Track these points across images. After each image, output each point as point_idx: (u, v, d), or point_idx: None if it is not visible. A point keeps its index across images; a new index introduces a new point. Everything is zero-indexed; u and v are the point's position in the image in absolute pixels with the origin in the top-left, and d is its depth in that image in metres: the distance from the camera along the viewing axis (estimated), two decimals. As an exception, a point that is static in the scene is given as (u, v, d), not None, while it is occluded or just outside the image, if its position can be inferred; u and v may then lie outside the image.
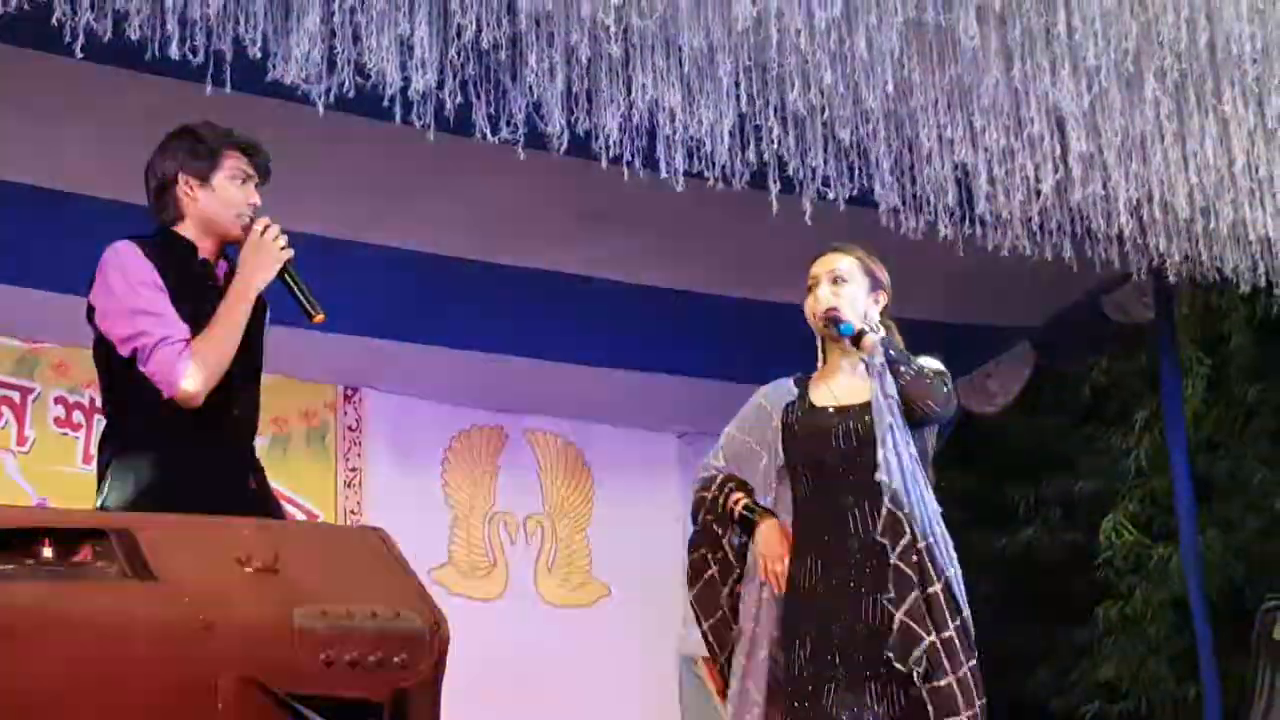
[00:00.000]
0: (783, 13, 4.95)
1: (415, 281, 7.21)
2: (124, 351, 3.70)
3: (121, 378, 3.76)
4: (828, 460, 4.25)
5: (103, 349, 3.79)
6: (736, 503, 4.33)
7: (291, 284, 3.94)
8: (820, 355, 4.58)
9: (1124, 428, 9.33)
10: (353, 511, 8.10)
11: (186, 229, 3.92)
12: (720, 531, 4.40)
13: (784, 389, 4.54)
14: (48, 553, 2.22)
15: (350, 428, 8.34)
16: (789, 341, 7.94)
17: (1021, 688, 9.80)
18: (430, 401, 8.40)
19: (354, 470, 8.35)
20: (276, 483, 7.98)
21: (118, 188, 6.23)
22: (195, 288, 3.84)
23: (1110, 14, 5.16)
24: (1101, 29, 5.15)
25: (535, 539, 8.85)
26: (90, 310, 3.81)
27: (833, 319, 4.40)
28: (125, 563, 2.22)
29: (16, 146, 5.97)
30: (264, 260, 3.85)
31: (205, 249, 3.93)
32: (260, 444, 8.08)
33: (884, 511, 4.07)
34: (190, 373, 3.63)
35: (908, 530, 4.04)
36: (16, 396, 7.50)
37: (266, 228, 3.88)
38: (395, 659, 2.25)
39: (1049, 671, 9.78)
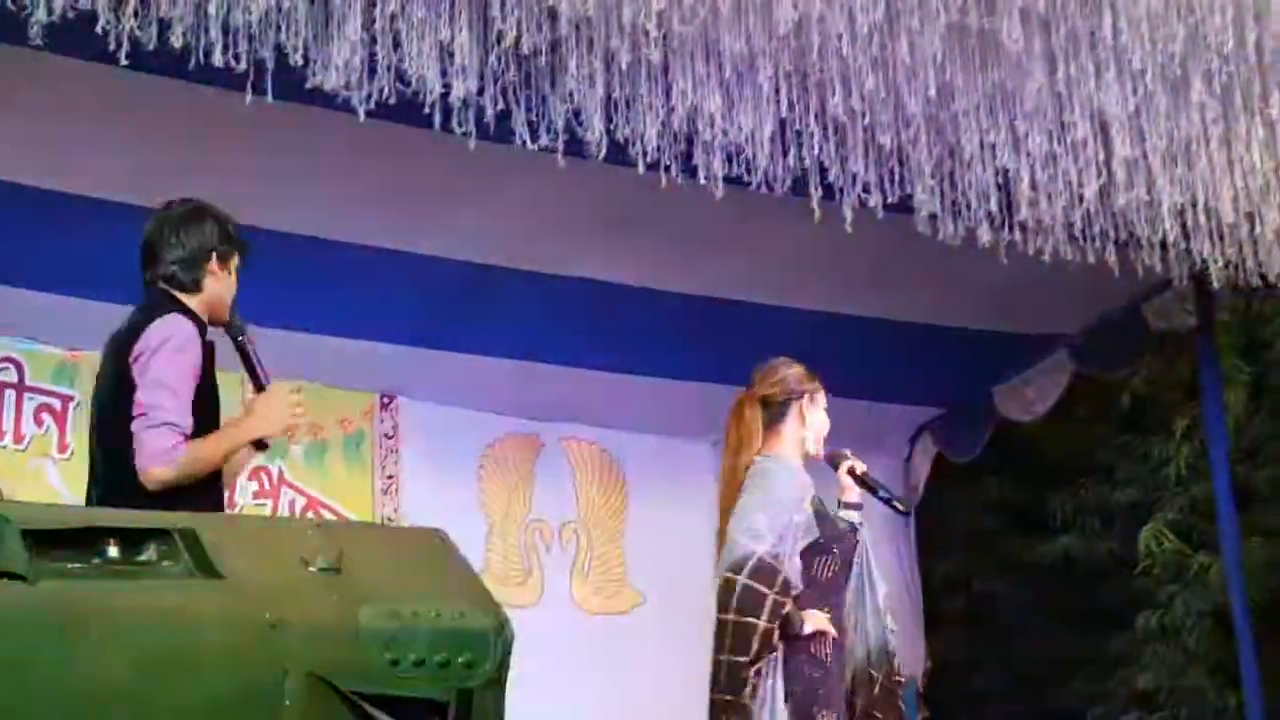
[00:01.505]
0: (824, 17, 4.93)
1: (452, 290, 7.21)
2: (137, 407, 3.89)
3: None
4: None
5: (125, 388, 3.95)
6: None
7: (249, 356, 4.27)
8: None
9: (1164, 436, 9.27)
10: (389, 518, 8.09)
11: (197, 303, 4.17)
12: None
13: None
14: (113, 551, 2.23)
15: (387, 435, 8.35)
16: (827, 350, 7.98)
17: (1059, 696, 9.75)
18: (466, 409, 8.40)
19: (390, 478, 8.36)
20: (314, 490, 8.11)
21: (158, 196, 6.27)
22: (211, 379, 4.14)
23: (1156, 16, 5.12)
24: (1147, 32, 5.11)
25: (570, 546, 8.84)
26: (129, 352, 3.98)
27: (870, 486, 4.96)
28: (190, 561, 2.22)
29: (57, 155, 5.99)
30: (280, 421, 4.19)
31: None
32: (297, 451, 8.21)
33: None
34: (170, 466, 3.85)
35: None
36: (58, 404, 7.52)
37: (299, 399, 4.24)
38: (460, 659, 2.25)
39: (1086, 680, 9.71)
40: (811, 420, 5.09)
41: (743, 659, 4.62)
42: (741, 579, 4.67)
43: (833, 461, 5.16)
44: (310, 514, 8.07)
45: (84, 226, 6.26)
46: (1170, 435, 9.17)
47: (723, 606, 4.71)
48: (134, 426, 3.87)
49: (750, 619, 4.64)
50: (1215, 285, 6.39)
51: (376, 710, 2.14)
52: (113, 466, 3.97)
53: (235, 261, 4.26)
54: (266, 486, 8.06)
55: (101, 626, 2.08)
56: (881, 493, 5.18)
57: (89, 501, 4.08)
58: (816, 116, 5.24)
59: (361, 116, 4.79)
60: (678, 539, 9.01)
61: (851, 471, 5.09)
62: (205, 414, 4.05)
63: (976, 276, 6.81)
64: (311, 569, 2.27)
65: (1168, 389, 9.26)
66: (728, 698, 4.67)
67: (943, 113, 5.37)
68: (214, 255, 4.20)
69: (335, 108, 4.90)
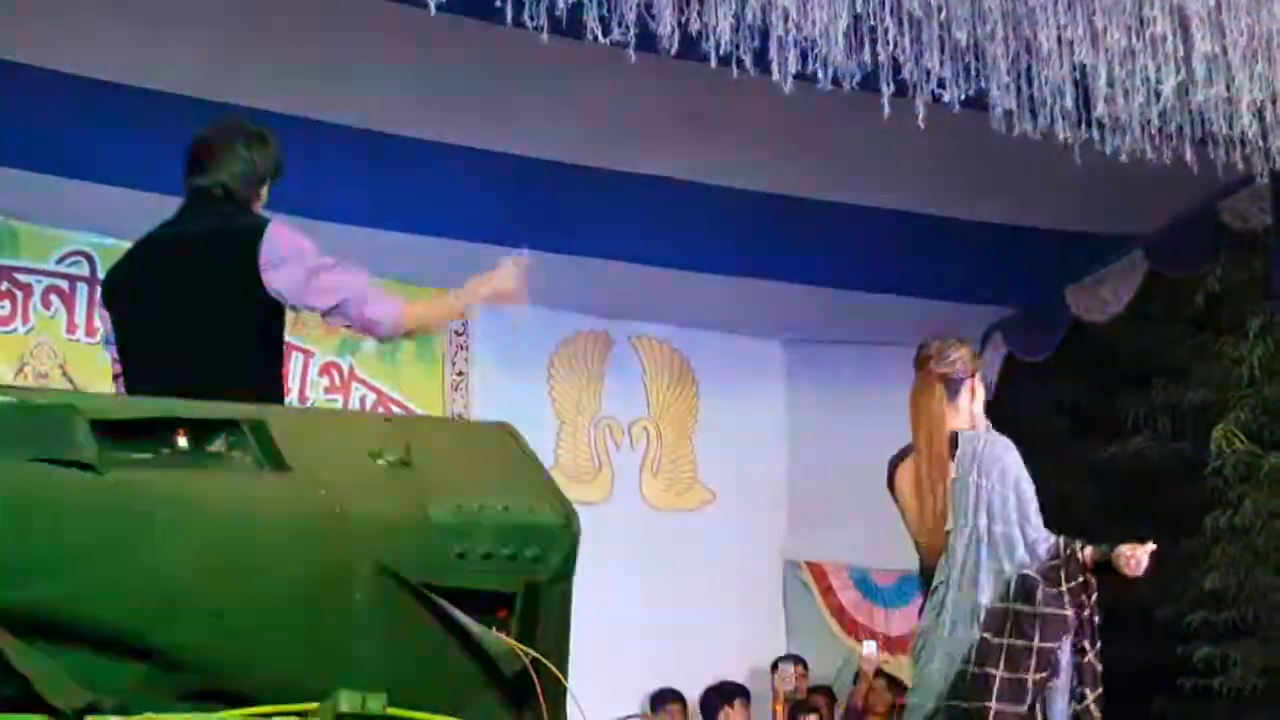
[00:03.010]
0: (900, -90, 4.86)
1: (523, 187, 7.20)
2: (322, 304, 3.92)
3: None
4: None
5: (259, 294, 3.93)
6: None
7: None
8: None
9: (1237, 336, 9.17)
10: (459, 415, 8.15)
11: None
12: None
13: None
14: (183, 442, 2.25)
15: (457, 332, 8.39)
16: (897, 248, 7.94)
17: (1127, 597, 9.74)
18: (537, 306, 8.40)
19: (460, 374, 8.41)
20: (384, 386, 8.18)
21: (229, 93, 6.30)
22: None
23: (1238, -92, 5.01)
24: (1228, -75, 5.01)
25: (641, 444, 8.89)
26: (255, 263, 3.93)
27: None
28: (260, 453, 2.24)
29: (128, 48, 6.01)
30: (506, 292, 4.22)
31: None
32: (368, 347, 8.27)
33: None
34: (402, 314, 3.98)
35: None
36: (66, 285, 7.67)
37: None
38: (527, 552, 2.27)
39: (1155, 580, 9.67)
40: (979, 394, 5.29)
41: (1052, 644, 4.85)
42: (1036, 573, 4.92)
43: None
44: (380, 409, 8.14)
45: (155, 121, 6.29)
46: (1243, 335, 9.08)
47: (1028, 599, 4.88)
48: (342, 307, 3.94)
49: (1063, 613, 4.88)
50: (1293, 184, 6.31)
51: (445, 602, 2.17)
52: (202, 368, 3.88)
53: (266, 186, 4.23)
54: (337, 382, 8.13)
55: (169, 517, 2.10)
56: None
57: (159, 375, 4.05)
58: (891, 11, 5.16)
59: (432, 10, 4.76)
60: (748, 437, 9.06)
61: None
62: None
63: (1051, 175, 6.72)
64: (380, 462, 2.29)
65: (1242, 289, 9.15)
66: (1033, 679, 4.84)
67: (1020, 6, 5.28)
68: (266, 181, 4.20)
69: (407, 1, 4.88)
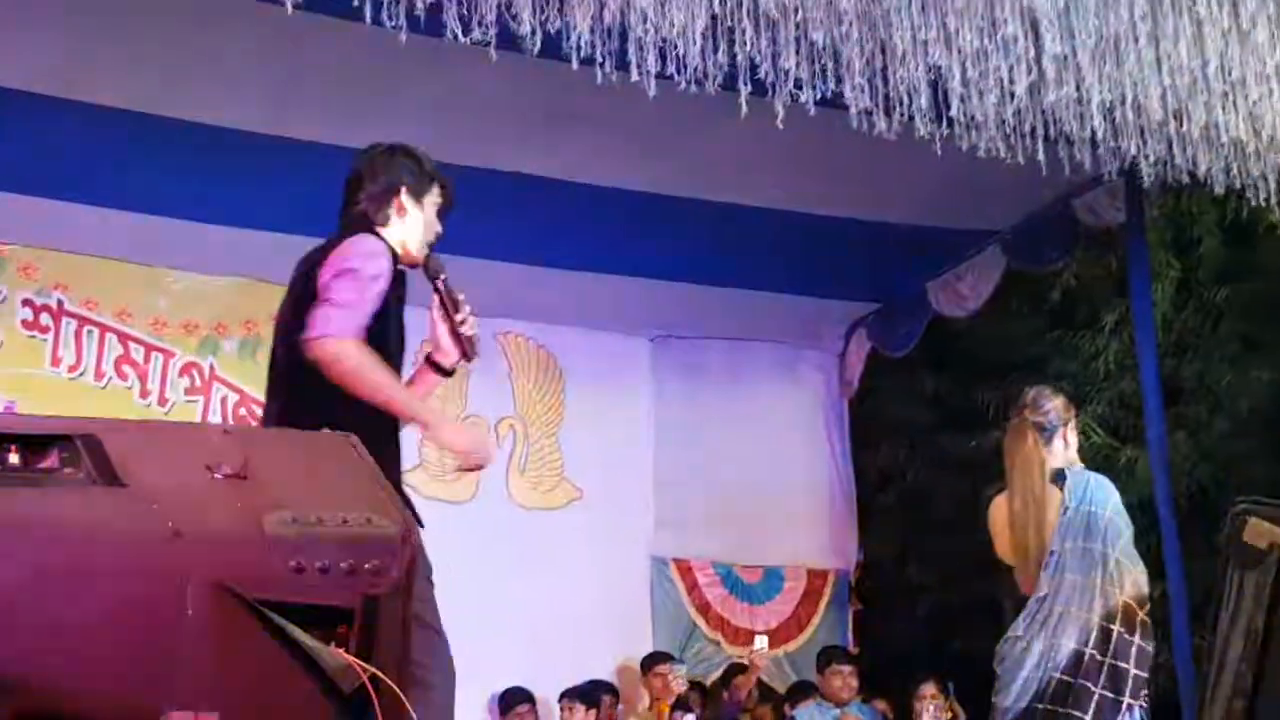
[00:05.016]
0: (756, -89, 4.89)
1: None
2: (322, 291, 3.86)
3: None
4: None
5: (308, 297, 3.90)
6: None
7: (444, 297, 4.25)
8: None
9: (1093, 331, 9.35)
10: (324, 415, 8.08)
11: (389, 237, 4.09)
12: None
13: None
14: (14, 459, 2.20)
15: (320, 331, 8.30)
16: (758, 243, 8.00)
17: (990, 586, 9.88)
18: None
19: (324, 374, 8.33)
20: (247, 387, 8.08)
21: (94, 87, 6.21)
22: (400, 307, 4.09)
23: (1086, -87, 5.10)
24: (1076, -72, 5.09)
25: (507, 442, 8.86)
26: (320, 264, 3.94)
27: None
28: (93, 469, 2.20)
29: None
30: (465, 443, 4.19)
31: None
32: (230, 347, 8.18)
33: None
34: (344, 352, 3.80)
35: None
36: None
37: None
38: (366, 565, 2.24)
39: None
40: (1071, 442, 5.47)
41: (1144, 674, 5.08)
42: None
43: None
44: (243, 410, 8.05)
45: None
46: (1100, 330, 9.26)
47: (1129, 628, 5.09)
48: (314, 306, 3.83)
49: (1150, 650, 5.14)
50: (1145, 182, 6.44)
51: (281, 618, 2.14)
52: (296, 383, 3.92)
53: (431, 199, 4.17)
54: (198, 383, 8.03)
55: (-2, 535, 2.06)
56: None
57: (268, 418, 4.06)
58: (749, 12, 5.19)
59: (289, 9, 4.71)
60: (615, 434, 9.07)
61: None
62: (383, 340, 3.98)
63: (910, 173, 6.82)
64: (217, 475, 2.25)
65: (1098, 284, 9.33)
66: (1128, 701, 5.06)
67: (874, 8, 5.34)
68: (403, 190, 4.13)
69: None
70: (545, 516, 8.84)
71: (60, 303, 7.68)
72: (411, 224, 4.14)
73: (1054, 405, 5.45)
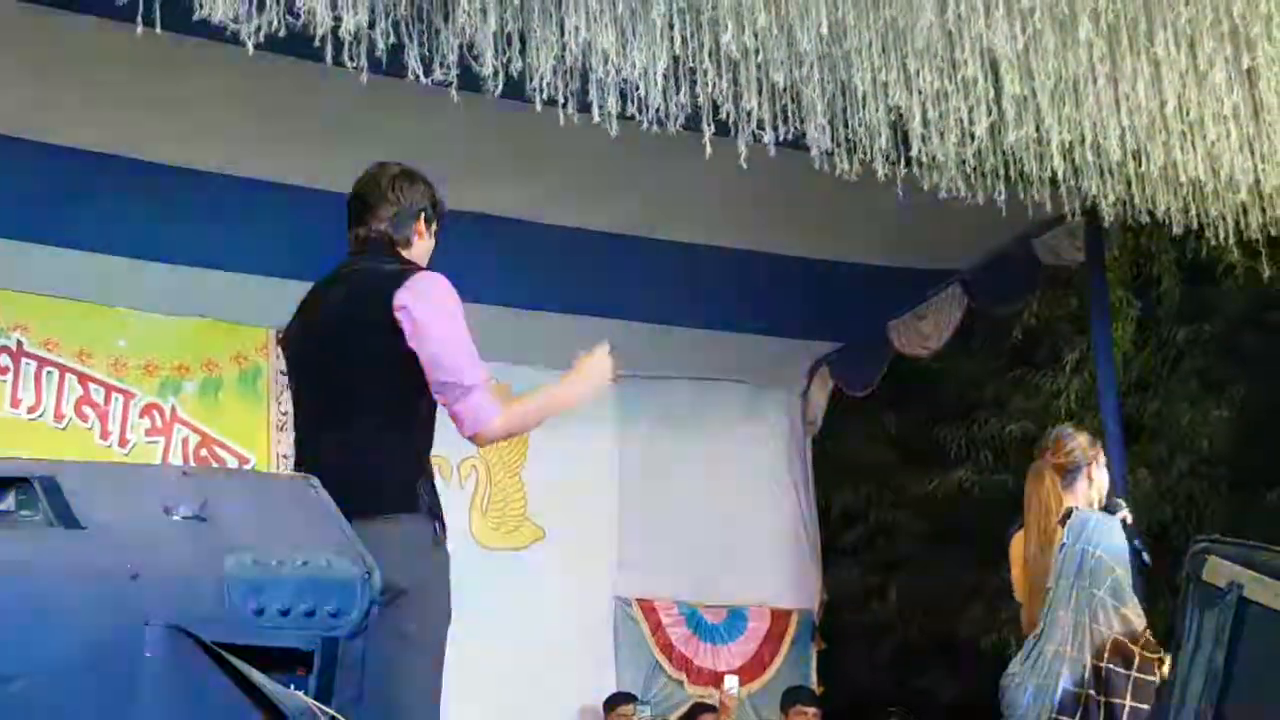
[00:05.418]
0: (716, -46, 4.92)
1: (342, 225, 7.13)
2: (433, 377, 3.86)
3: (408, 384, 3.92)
4: None
5: (395, 353, 3.86)
6: None
7: None
8: None
9: (1054, 369, 9.41)
10: (284, 455, 8.02)
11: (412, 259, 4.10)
12: None
13: None
14: (-31, 501, 2.19)
15: (282, 371, 8.23)
16: (721, 283, 8.02)
17: (953, 625, 9.90)
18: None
19: (285, 414, 8.28)
20: (207, 426, 8.04)
21: (53, 127, 6.20)
22: None
23: (1044, -45, 5.15)
24: (1035, -30, 5.14)
25: (470, 482, 8.83)
26: (389, 298, 3.86)
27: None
28: (50, 511, 2.19)
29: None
30: (602, 381, 4.14)
31: None
32: (191, 387, 8.13)
33: None
34: (498, 423, 3.94)
35: None
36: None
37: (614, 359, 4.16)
38: (326, 608, 2.23)
39: (980, 609, 9.87)
40: (1097, 480, 5.47)
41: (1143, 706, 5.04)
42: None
43: (1109, 508, 5.50)
44: (204, 451, 8.00)
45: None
46: (1061, 369, 9.31)
47: (1123, 663, 5.10)
48: (442, 391, 3.89)
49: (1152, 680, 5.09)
50: (1105, 221, 6.49)
51: (240, 661, 2.13)
52: (358, 408, 3.94)
53: (436, 226, 4.19)
54: (159, 424, 7.98)
55: (-48, 578, 2.04)
56: (1136, 542, 5.50)
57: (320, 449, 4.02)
58: (710, 54, 5.22)
59: (250, 50, 4.71)
60: (578, 474, 9.04)
61: (1123, 520, 5.46)
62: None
63: (871, 213, 6.85)
64: (175, 517, 2.24)
65: (1059, 324, 9.39)
66: None
67: (835, 50, 5.38)
68: (423, 215, 4.13)
69: (224, 40, 4.83)
70: (508, 556, 8.80)
71: (20, 343, 7.63)
72: (423, 250, 4.16)
73: (1078, 444, 5.47)
